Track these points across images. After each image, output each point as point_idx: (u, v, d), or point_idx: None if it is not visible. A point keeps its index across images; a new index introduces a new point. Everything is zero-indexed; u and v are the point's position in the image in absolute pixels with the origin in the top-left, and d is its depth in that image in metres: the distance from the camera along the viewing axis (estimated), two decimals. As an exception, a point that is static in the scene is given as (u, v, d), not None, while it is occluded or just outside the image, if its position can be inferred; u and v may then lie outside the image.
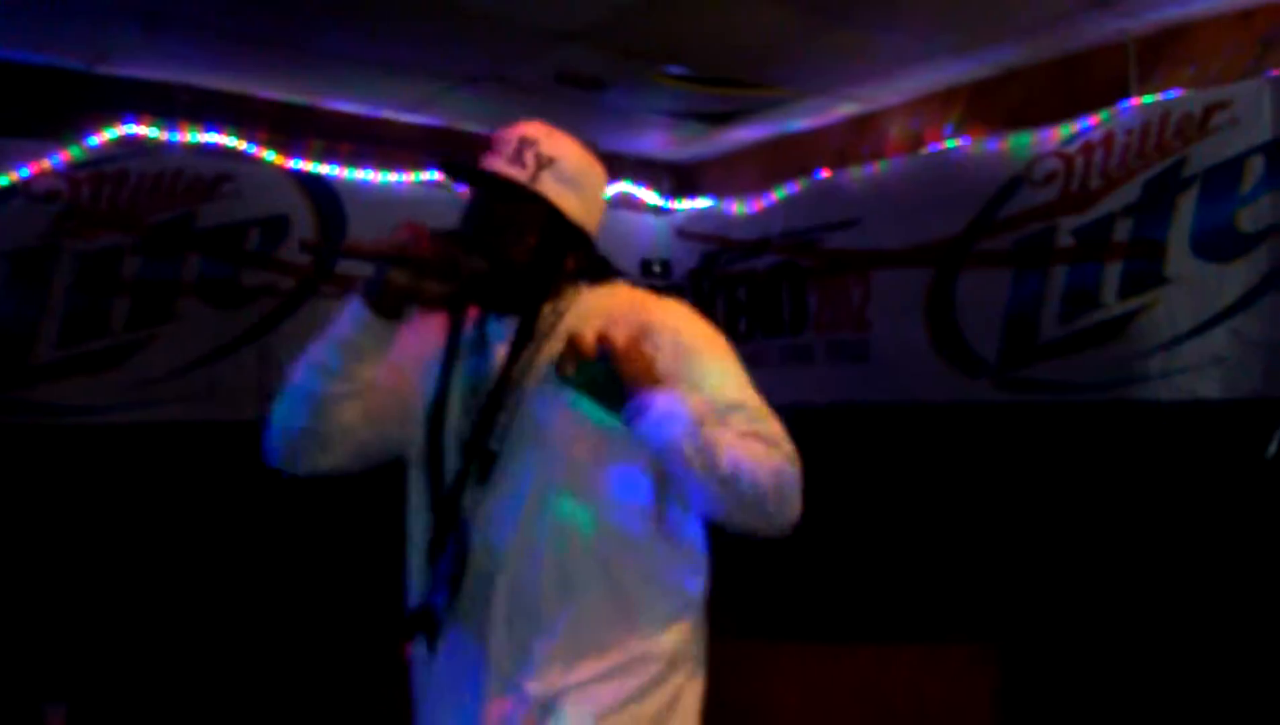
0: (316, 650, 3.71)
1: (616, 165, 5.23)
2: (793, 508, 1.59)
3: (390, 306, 1.57)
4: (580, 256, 1.70)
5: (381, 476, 1.80)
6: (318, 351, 1.62)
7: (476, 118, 4.73)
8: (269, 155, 4.36)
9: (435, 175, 4.68)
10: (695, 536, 1.72)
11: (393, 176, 4.64)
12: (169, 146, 4.17)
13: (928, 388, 4.30)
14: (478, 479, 1.63)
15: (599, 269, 1.74)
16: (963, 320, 4.23)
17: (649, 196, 5.43)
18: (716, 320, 5.25)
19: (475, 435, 1.63)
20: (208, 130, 4.23)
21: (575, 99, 4.47)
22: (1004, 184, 4.09)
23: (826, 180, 4.83)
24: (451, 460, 1.66)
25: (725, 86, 4.45)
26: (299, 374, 1.64)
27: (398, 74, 4.25)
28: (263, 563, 3.96)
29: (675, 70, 4.26)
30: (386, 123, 4.78)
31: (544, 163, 1.62)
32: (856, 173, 4.70)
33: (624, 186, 5.32)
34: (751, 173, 5.37)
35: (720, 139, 5.29)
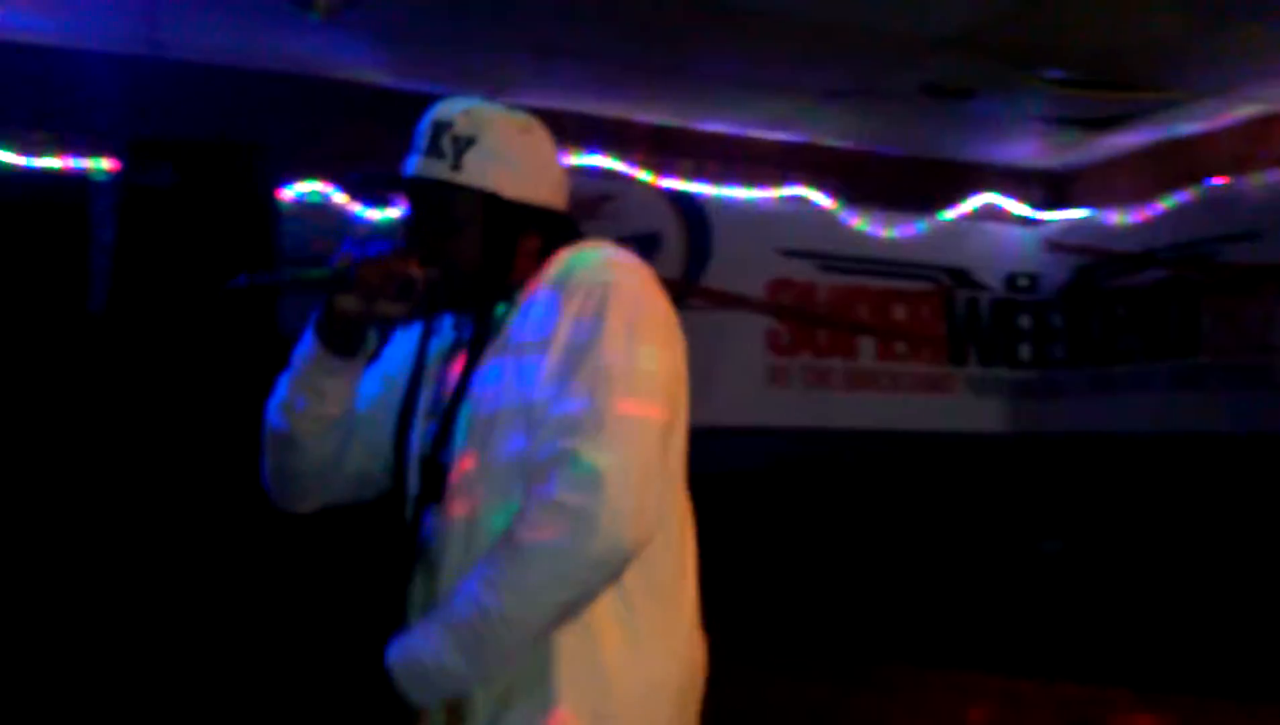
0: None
1: (980, 176, 5.02)
2: (571, 579, 1.30)
3: (344, 337, 1.46)
4: (540, 232, 1.49)
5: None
6: (283, 388, 1.51)
7: (838, 132, 4.71)
8: (645, 175, 4.68)
9: (796, 190, 4.81)
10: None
11: (756, 192, 4.81)
12: (559, 167, 4.58)
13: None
14: (433, 497, 1.46)
15: (566, 237, 1.52)
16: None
17: (1016, 207, 5.20)
18: (1092, 339, 4.97)
19: (431, 449, 1.47)
20: (591, 153, 4.61)
21: (940, 108, 4.39)
22: None
23: (1223, 188, 4.46)
24: (413, 480, 1.50)
25: (1107, 90, 4.20)
26: (269, 413, 1.53)
27: (765, 92, 4.40)
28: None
29: (1052, 74, 4.08)
30: (751, 140, 4.95)
31: (464, 145, 1.45)
32: (1259, 180, 4.31)
33: (989, 197, 5.11)
34: (1133, 181, 5.02)
35: (1098, 145, 4.99)
